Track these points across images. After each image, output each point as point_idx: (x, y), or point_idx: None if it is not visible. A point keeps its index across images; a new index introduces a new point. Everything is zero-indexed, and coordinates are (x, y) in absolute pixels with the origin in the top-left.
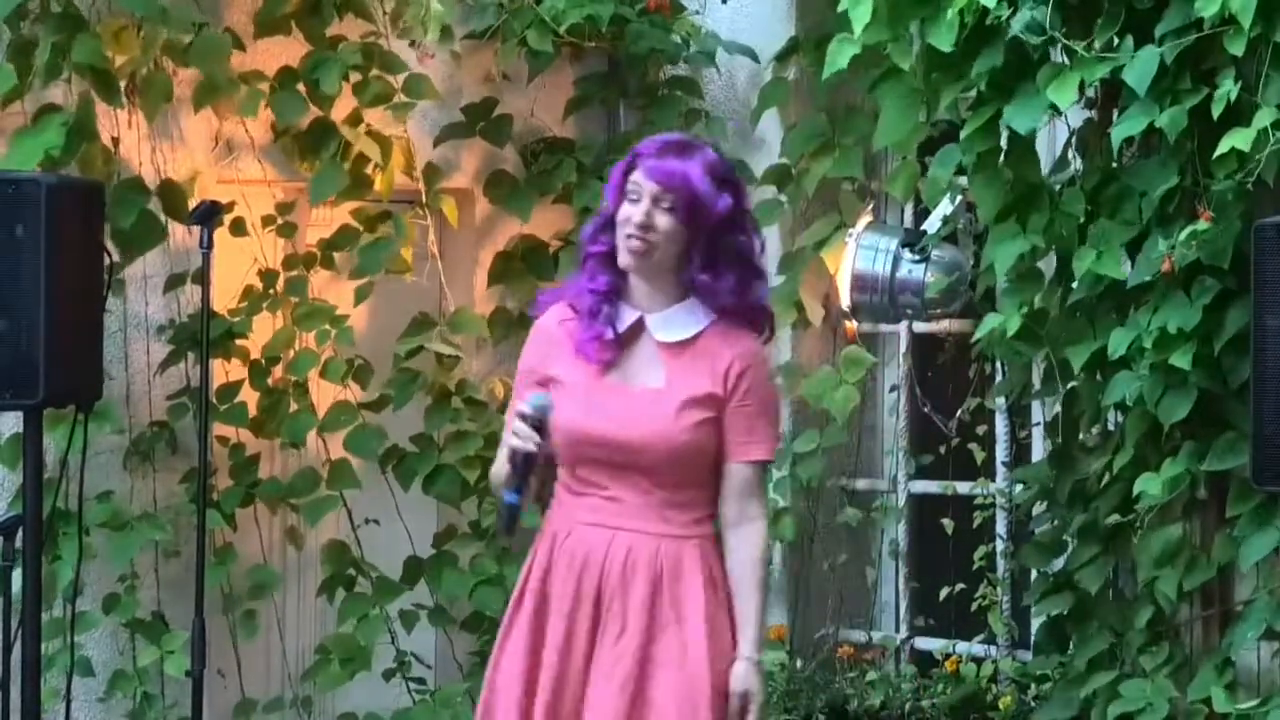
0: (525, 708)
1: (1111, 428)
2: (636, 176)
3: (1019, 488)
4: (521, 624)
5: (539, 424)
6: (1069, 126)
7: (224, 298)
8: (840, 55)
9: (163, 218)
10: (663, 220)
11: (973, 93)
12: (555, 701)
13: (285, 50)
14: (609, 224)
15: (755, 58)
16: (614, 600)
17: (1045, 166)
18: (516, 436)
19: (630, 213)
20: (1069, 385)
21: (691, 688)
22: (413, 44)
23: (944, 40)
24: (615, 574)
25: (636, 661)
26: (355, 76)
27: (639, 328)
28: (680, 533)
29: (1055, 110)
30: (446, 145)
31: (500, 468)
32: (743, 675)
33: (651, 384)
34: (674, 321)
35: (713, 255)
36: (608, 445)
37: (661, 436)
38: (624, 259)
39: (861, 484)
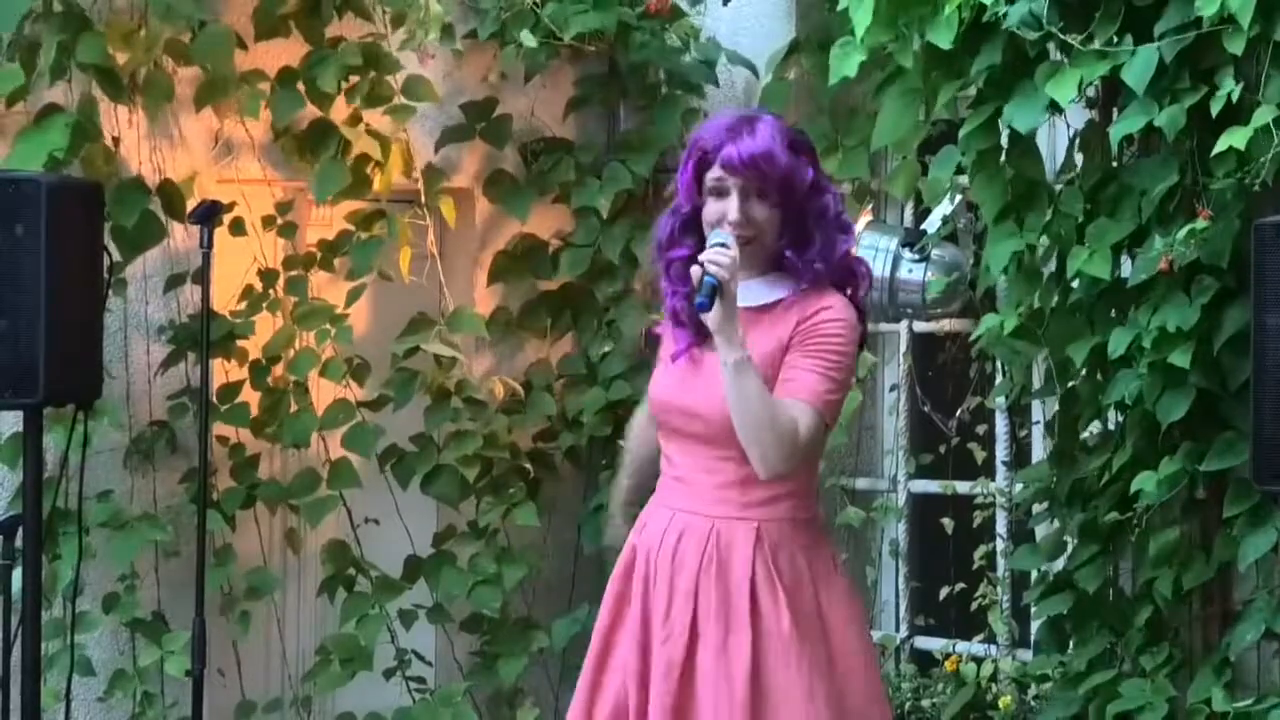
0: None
1: (1111, 427)
2: (717, 171)
3: (1019, 487)
4: (620, 614)
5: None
6: (1069, 126)
7: (224, 297)
8: (846, 63)
9: (163, 217)
10: (759, 210)
11: (972, 91)
12: (643, 688)
13: (285, 50)
14: (688, 225)
15: (755, 72)
16: (660, 587)
17: (1047, 166)
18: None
19: (721, 210)
20: (1068, 385)
21: (724, 698)
22: (405, 45)
23: (942, 38)
24: (667, 559)
25: (678, 663)
26: (355, 77)
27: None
28: (736, 514)
29: (1056, 109)
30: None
31: None
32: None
33: None
34: (754, 289)
35: (803, 227)
36: (677, 413)
37: (712, 400)
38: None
39: (861, 483)
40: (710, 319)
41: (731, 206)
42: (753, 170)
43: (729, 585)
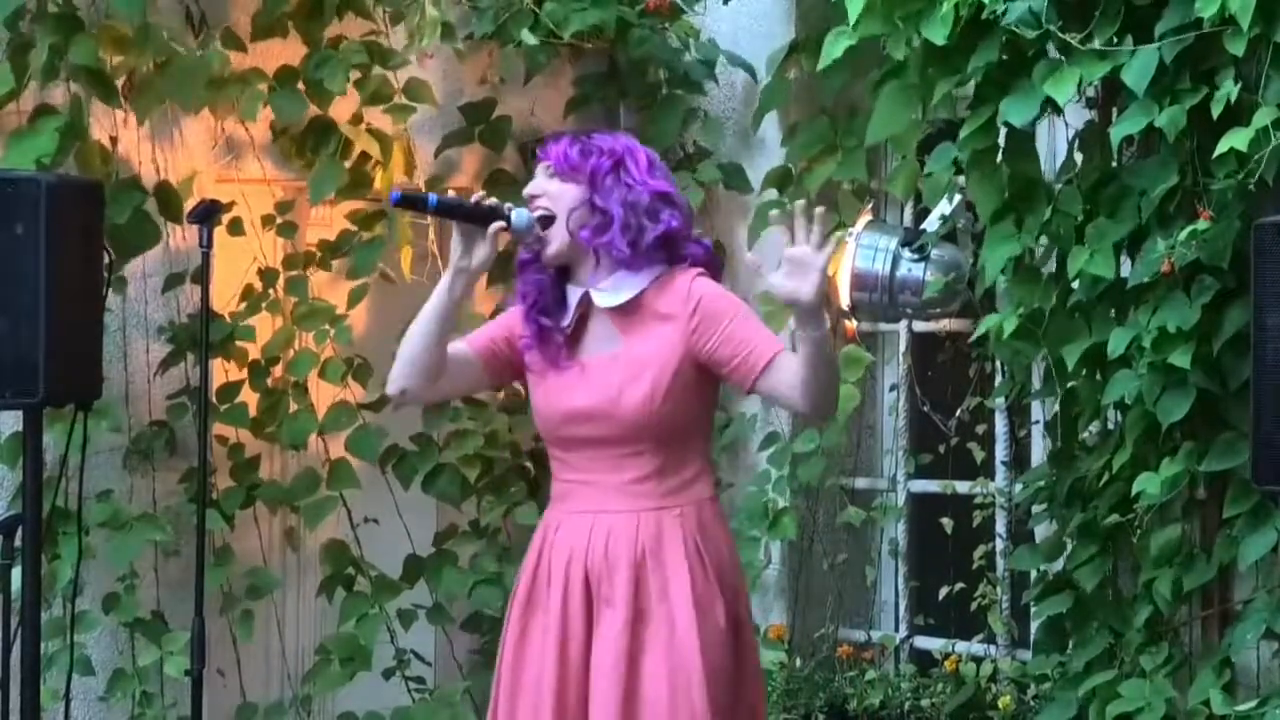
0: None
1: (1111, 427)
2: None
3: (1018, 487)
4: (528, 624)
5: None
6: (1068, 126)
7: (224, 297)
8: (834, 47)
9: (159, 218)
10: (550, 185)
11: (970, 89)
12: (560, 696)
13: (286, 50)
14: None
15: (754, 75)
16: (601, 585)
17: (1047, 167)
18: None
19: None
20: (1068, 385)
21: (681, 673)
22: (406, 49)
23: (938, 34)
24: (598, 559)
25: (626, 652)
26: (355, 74)
27: (587, 304)
28: (658, 504)
29: (1054, 107)
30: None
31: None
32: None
33: (606, 352)
34: (612, 287)
35: (604, 211)
36: (571, 420)
37: (613, 400)
38: (546, 249)
39: (861, 483)
40: (804, 298)
41: (531, 184)
42: (544, 154)
43: (667, 581)
